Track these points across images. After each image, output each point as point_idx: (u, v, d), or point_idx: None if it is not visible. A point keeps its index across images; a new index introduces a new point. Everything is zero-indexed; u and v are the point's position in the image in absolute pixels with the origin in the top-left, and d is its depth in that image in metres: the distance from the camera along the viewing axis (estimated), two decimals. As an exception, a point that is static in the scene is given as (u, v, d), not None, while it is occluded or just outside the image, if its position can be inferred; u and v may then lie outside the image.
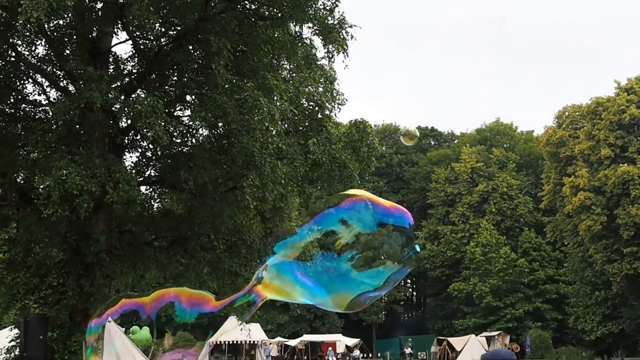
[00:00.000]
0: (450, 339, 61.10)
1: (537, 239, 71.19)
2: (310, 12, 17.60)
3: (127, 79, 17.97)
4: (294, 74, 19.72)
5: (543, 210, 70.53)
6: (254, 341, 51.51)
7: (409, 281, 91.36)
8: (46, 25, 16.68)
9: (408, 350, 65.33)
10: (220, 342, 49.87)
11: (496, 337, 64.37)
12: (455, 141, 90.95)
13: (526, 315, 66.66)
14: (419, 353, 66.39)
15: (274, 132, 17.18)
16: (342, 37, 18.28)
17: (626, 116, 54.74)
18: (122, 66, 19.03)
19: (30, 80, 18.03)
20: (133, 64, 19.15)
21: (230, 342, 51.87)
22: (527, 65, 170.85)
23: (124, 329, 16.92)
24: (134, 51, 18.74)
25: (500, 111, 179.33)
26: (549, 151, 64.91)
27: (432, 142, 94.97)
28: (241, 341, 50.28)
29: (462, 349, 53.87)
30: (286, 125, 18.97)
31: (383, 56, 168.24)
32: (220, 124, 17.28)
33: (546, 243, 71.01)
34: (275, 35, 17.89)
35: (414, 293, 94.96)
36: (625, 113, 54.91)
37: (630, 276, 53.68)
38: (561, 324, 67.54)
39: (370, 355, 68.21)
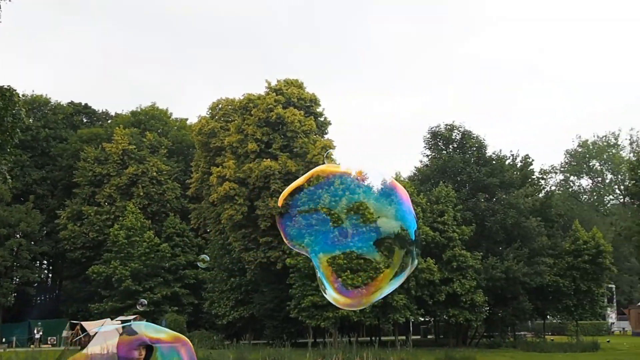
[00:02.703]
0: (84, 323, 59.17)
1: (181, 225, 72.47)
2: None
3: None
4: None
5: (190, 197, 72.05)
6: None
7: (45, 262, 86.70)
8: None
9: (37, 335, 62.00)
10: None
11: (132, 321, 63.86)
12: (109, 121, 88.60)
13: (164, 299, 67.47)
14: (49, 338, 63.38)
15: None
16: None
17: (273, 115, 58.37)
18: None
19: None
20: None
21: None
22: (190, 54, 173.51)
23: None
24: None
25: (157, 96, 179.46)
26: (200, 140, 66.53)
27: (85, 120, 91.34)
28: None
29: (95, 333, 52.48)
30: None
31: (43, 22, 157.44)
32: None
33: (190, 229, 72.66)
34: None
35: (50, 275, 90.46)
36: (272, 112, 58.51)
37: (264, 264, 57.38)
38: (197, 308, 69.69)
39: (-6, 340, 63.20)
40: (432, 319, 60.56)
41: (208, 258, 15.14)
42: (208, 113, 68.88)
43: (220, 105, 69.07)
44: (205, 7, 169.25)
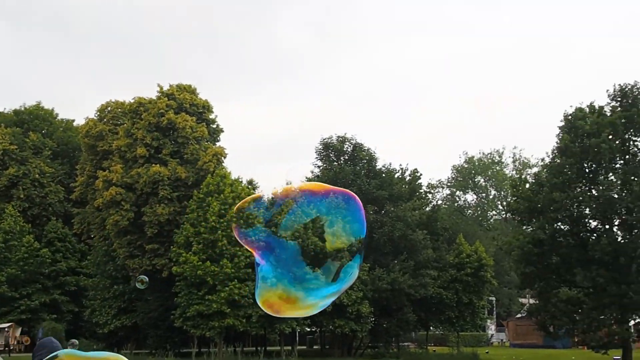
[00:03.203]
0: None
1: (63, 230, 69.72)
2: None
3: None
4: None
5: (74, 201, 69.55)
6: None
7: None
8: None
9: None
10: None
11: (6, 329, 61.18)
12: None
13: (42, 306, 64.61)
14: None
15: None
16: None
17: (164, 120, 57.24)
18: None
19: None
20: None
21: None
22: (80, 53, 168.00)
23: None
24: None
25: (43, 96, 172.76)
26: (87, 143, 64.43)
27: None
28: None
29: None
30: None
31: None
32: None
33: (73, 234, 70.07)
34: None
35: None
36: (163, 117, 57.38)
37: (149, 272, 55.96)
38: (77, 316, 67.15)
39: None
40: (318, 329, 60.77)
41: (147, 279, 15.07)
42: (96, 115, 66.80)
43: (109, 108, 67.16)
44: (96, 4, 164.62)
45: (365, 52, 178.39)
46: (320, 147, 59.79)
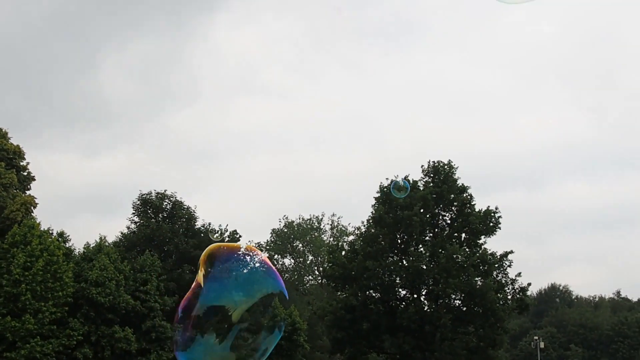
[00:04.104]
0: None
1: None
2: None
3: None
4: None
5: None
6: None
7: None
8: None
9: None
10: None
11: None
12: None
13: None
14: None
15: None
16: None
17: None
18: None
19: None
20: None
21: None
22: None
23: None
24: None
25: None
26: None
27: None
28: None
29: None
30: None
31: None
32: None
33: None
34: None
35: None
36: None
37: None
38: None
39: None
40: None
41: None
42: None
43: None
44: None
45: (196, 107, 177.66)
46: (139, 202, 58.10)
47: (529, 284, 50.78)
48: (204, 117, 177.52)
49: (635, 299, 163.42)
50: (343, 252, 53.14)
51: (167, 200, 58.36)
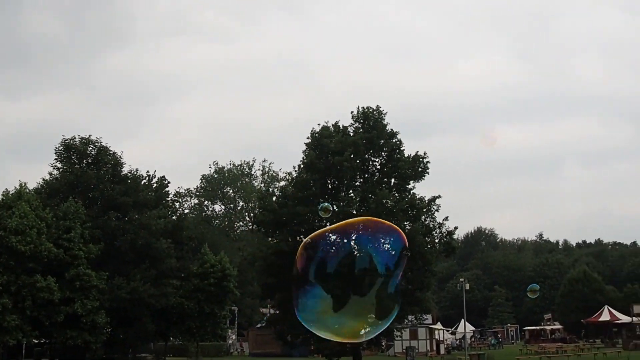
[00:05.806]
0: None
1: None
2: None
3: None
4: None
5: None
6: None
7: None
8: None
9: None
10: None
11: None
12: None
13: None
14: None
15: None
16: None
17: None
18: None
19: None
20: None
21: None
22: None
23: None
24: None
25: None
26: None
27: None
28: None
29: None
30: None
31: None
32: None
33: None
34: None
35: None
36: None
37: None
38: None
39: None
40: (48, 341, 56.56)
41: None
42: None
43: None
44: None
45: (129, 49, 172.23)
46: (61, 147, 56.00)
47: (456, 228, 51.46)
48: (136, 60, 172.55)
49: (555, 241, 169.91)
50: (274, 198, 52.74)
51: (91, 146, 56.43)
